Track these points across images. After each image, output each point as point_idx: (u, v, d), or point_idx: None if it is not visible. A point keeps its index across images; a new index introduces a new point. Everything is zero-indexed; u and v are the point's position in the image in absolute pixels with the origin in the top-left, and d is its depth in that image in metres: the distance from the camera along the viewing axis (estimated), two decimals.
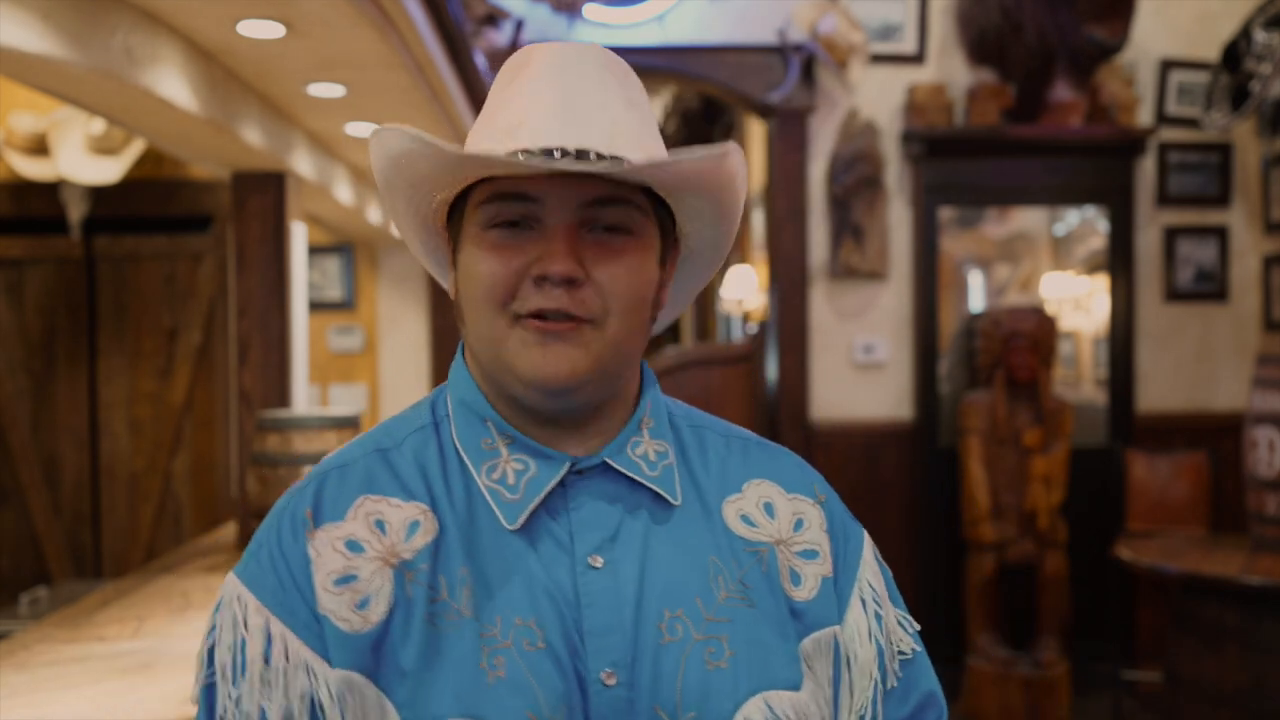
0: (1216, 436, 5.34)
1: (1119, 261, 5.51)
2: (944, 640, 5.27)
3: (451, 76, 3.19)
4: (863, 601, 1.08)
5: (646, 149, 0.98)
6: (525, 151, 0.94)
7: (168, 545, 4.99)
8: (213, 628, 0.98)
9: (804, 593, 1.04)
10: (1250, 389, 4.27)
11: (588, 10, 5.33)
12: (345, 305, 5.48)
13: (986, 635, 4.92)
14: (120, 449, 5.11)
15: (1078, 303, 5.75)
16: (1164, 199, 5.58)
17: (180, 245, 5.10)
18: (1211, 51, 5.43)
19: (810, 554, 1.06)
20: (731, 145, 0.98)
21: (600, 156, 0.94)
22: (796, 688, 0.99)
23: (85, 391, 5.11)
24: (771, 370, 5.52)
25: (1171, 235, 5.59)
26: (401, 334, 5.53)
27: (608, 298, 0.97)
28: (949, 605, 5.26)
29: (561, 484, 1.00)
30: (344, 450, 1.05)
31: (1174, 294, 5.59)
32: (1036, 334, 4.90)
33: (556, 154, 0.93)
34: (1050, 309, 5.42)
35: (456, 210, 1.03)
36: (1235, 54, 5.25)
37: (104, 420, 5.11)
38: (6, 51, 1.90)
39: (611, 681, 0.94)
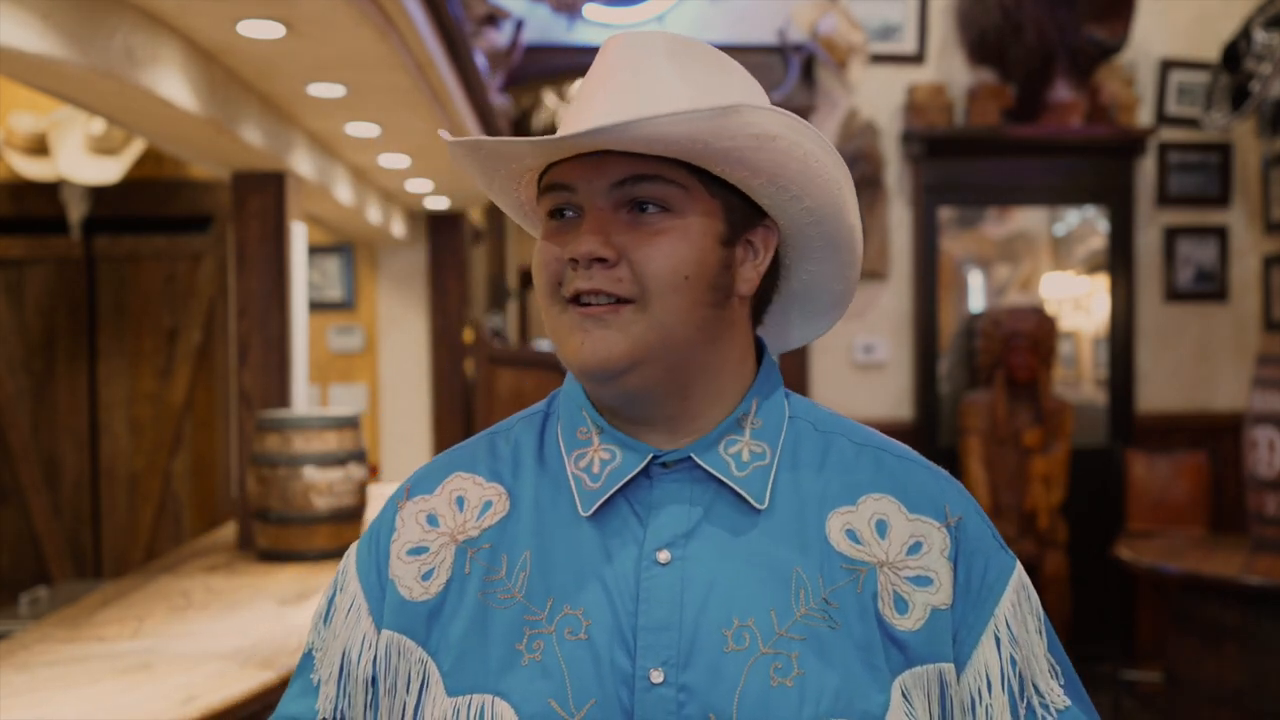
0: (1216, 436, 5.34)
1: (1119, 261, 5.51)
2: None
3: (451, 76, 3.19)
4: (996, 640, 0.98)
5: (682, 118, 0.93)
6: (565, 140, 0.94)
7: (168, 545, 4.98)
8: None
9: (909, 622, 0.95)
10: (1250, 389, 4.27)
11: (588, 10, 5.33)
12: (345, 305, 5.48)
13: None
14: (120, 449, 5.11)
15: (1078, 303, 5.75)
16: (1164, 199, 5.58)
17: (180, 245, 5.10)
18: (1211, 51, 5.43)
19: (923, 580, 0.97)
20: (741, 103, 0.92)
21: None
22: None
23: (85, 392, 5.10)
24: None
25: (1171, 235, 5.59)
26: (401, 334, 5.53)
27: (643, 276, 0.94)
28: None
29: (647, 476, 0.99)
30: (483, 431, 1.12)
31: (1174, 294, 5.59)
32: (1036, 334, 4.90)
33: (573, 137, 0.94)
34: (1050, 309, 5.42)
35: None
36: (1235, 54, 5.25)
37: (104, 420, 5.11)
38: (6, 51, 1.90)
39: (658, 679, 0.92)
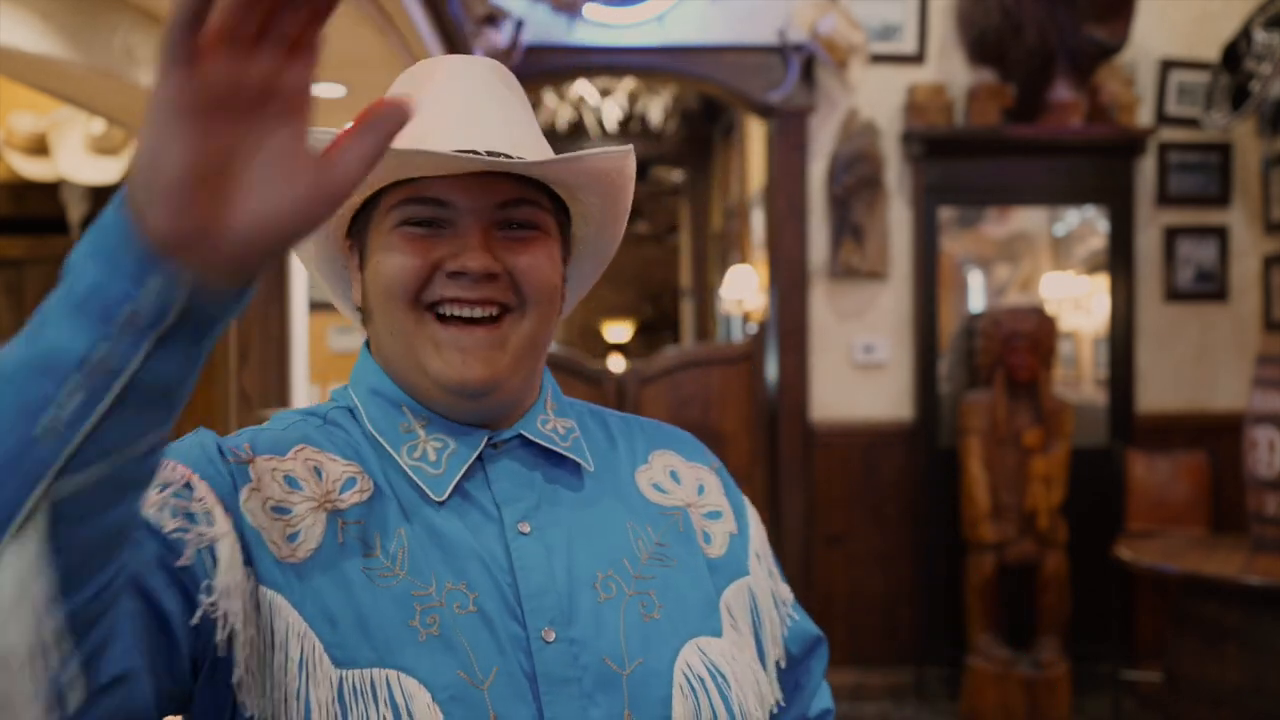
0: (1216, 436, 5.34)
1: (1119, 261, 5.51)
2: (944, 640, 5.27)
3: None
4: (758, 557, 1.18)
5: (544, 153, 1.05)
6: (483, 157, 1.00)
7: None
8: None
9: (716, 549, 1.14)
10: (1250, 389, 4.27)
11: (588, 10, 5.33)
12: None
13: (986, 635, 4.92)
14: None
15: (1078, 303, 5.75)
16: (1164, 199, 5.58)
17: None
18: (1211, 51, 5.43)
19: (715, 514, 1.16)
20: (629, 146, 1.07)
21: (508, 158, 1.00)
22: (718, 635, 1.07)
23: None
24: (771, 370, 5.52)
25: (1171, 235, 5.59)
26: None
27: (524, 286, 1.02)
28: (949, 605, 5.26)
29: (480, 459, 1.05)
30: (283, 415, 1.09)
31: (1174, 294, 5.59)
32: (1036, 334, 4.90)
33: (469, 157, 0.98)
34: (1050, 309, 5.42)
35: (359, 223, 1.07)
36: (1235, 54, 5.25)
37: None
38: (6, 51, 1.90)
39: (551, 638, 0.98)
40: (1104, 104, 5.35)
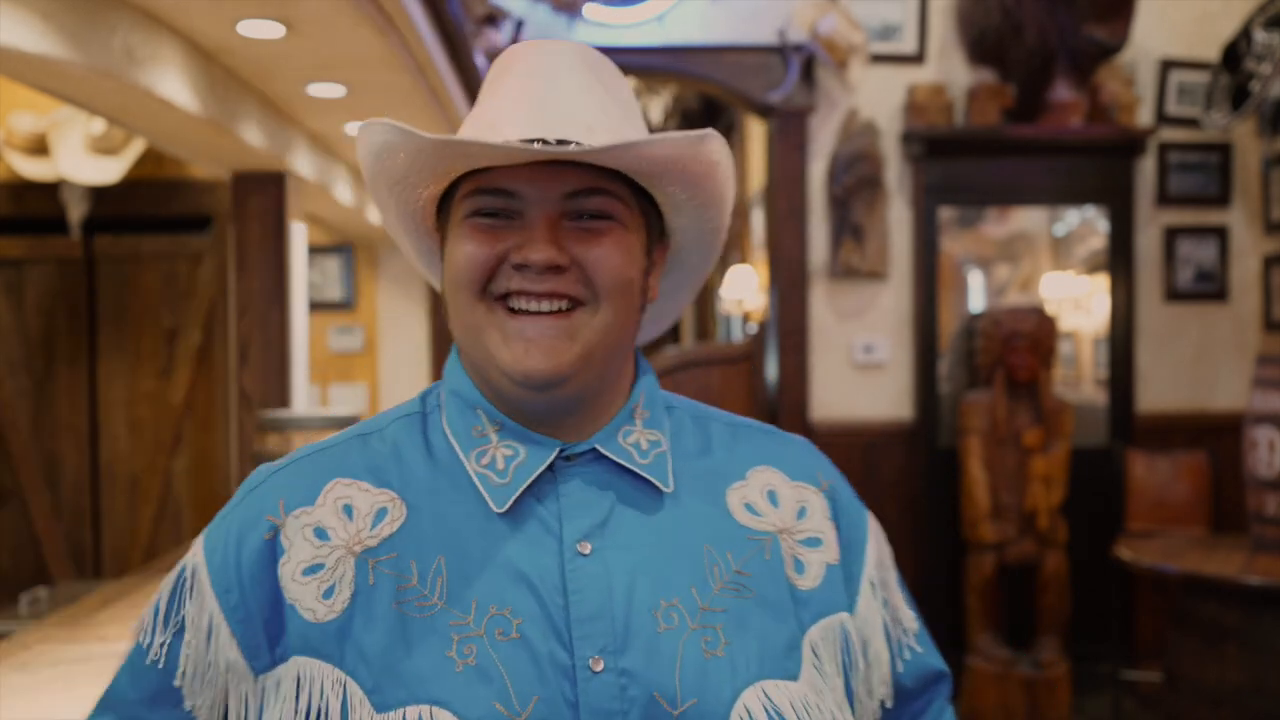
0: (1216, 436, 5.33)
1: (1119, 261, 5.51)
2: (944, 640, 5.25)
3: (451, 76, 3.19)
4: (872, 586, 1.09)
5: (626, 138, 0.97)
6: (540, 145, 0.94)
7: (168, 545, 4.98)
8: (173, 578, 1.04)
9: (808, 581, 1.04)
10: (1250, 389, 4.27)
11: (588, 10, 5.33)
12: (345, 305, 5.48)
13: (986, 635, 4.92)
14: (120, 449, 5.11)
15: (1078, 303, 5.75)
16: (1164, 199, 5.58)
17: (180, 245, 5.10)
18: (1211, 51, 5.43)
19: (813, 542, 1.06)
20: (709, 131, 0.98)
21: (582, 148, 0.94)
22: (793, 677, 0.98)
23: (85, 391, 5.10)
24: (771, 370, 5.52)
25: (1171, 235, 5.59)
26: (401, 334, 5.53)
27: (594, 279, 0.97)
28: (949, 605, 5.26)
29: (551, 470, 1.00)
30: (337, 434, 1.07)
31: (1174, 294, 5.59)
32: (1036, 334, 4.90)
33: (537, 145, 0.94)
34: (1050, 309, 5.42)
35: (444, 209, 1.04)
36: (1235, 54, 5.25)
37: (104, 420, 5.11)
38: (6, 51, 1.90)
39: (599, 668, 0.93)
40: (1104, 104, 5.35)
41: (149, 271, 5.11)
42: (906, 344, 5.49)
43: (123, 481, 5.12)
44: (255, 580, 0.98)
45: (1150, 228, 5.59)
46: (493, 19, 4.60)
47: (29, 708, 1.96)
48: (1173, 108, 5.56)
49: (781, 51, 5.31)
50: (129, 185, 4.68)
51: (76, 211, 4.85)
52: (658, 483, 1.02)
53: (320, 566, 0.97)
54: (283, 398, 3.44)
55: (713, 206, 1.06)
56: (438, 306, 5.48)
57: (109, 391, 5.10)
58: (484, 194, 0.98)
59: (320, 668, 0.95)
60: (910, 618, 1.13)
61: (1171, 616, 4.24)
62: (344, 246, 5.42)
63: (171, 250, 5.10)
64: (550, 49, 1.03)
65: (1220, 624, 3.89)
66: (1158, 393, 5.57)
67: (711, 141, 0.99)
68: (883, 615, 1.10)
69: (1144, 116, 5.52)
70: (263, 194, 3.42)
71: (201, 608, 1.00)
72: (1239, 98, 5.19)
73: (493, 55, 4.56)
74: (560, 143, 0.95)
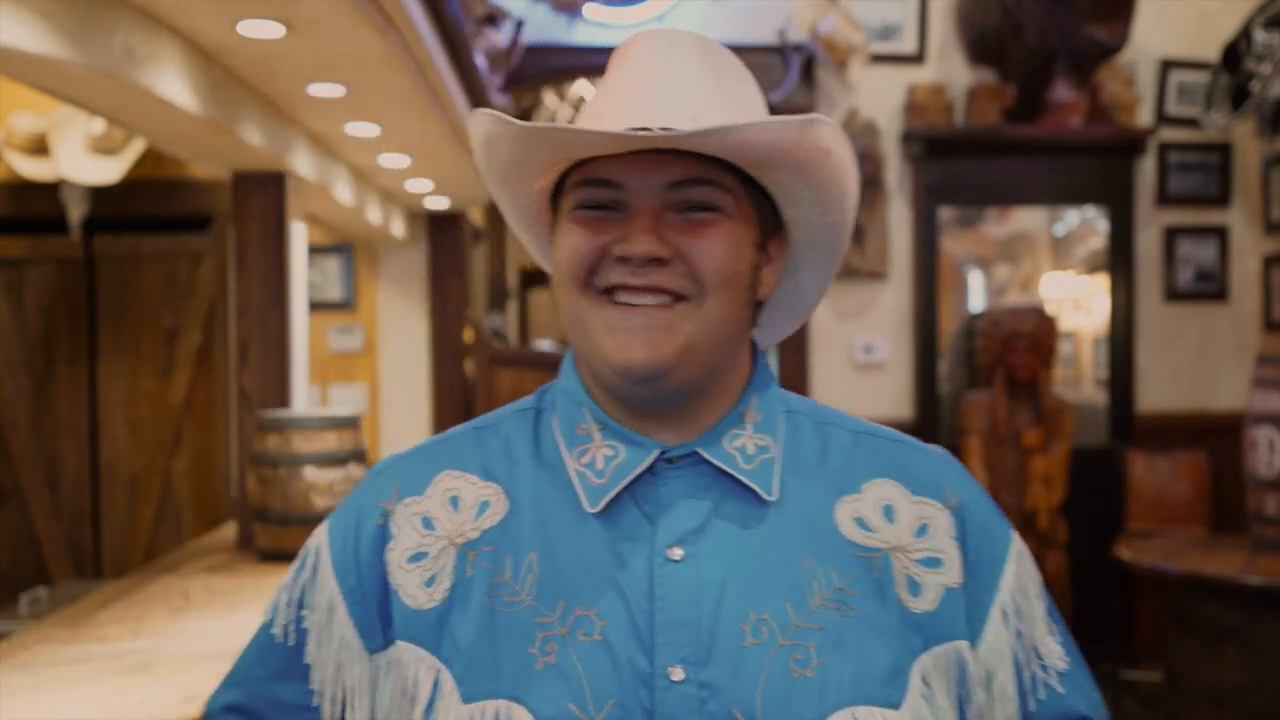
0: (1216, 436, 5.33)
1: (1119, 261, 5.51)
2: None
3: (451, 76, 3.19)
4: (1004, 616, 1.01)
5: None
6: (634, 132, 0.92)
7: (168, 545, 4.98)
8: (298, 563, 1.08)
9: (924, 603, 0.97)
10: (1250, 389, 4.27)
11: (588, 10, 5.33)
12: (345, 305, 5.48)
13: None
14: (120, 449, 5.11)
15: (1078, 303, 5.75)
16: (1164, 199, 5.58)
17: (180, 245, 5.10)
18: (1211, 51, 5.43)
19: (933, 562, 0.99)
20: (817, 116, 0.94)
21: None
22: (894, 706, 0.93)
23: (85, 391, 5.10)
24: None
25: (1171, 235, 5.59)
26: (401, 334, 5.53)
27: (698, 271, 0.94)
28: None
29: (652, 473, 0.98)
30: (456, 427, 1.10)
31: (1174, 294, 5.59)
32: (1036, 334, 4.90)
33: (660, 132, 0.92)
34: (1050, 309, 5.42)
35: (556, 203, 1.03)
36: (1235, 54, 5.25)
37: (104, 420, 5.11)
38: (6, 51, 1.90)
39: (679, 677, 0.91)
40: (1104, 104, 5.35)
41: (149, 271, 5.11)
42: (906, 344, 5.49)
43: (123, 481, 5.12)
44: (370, 564, 1.01)
45: (1150, 228, 5.59)
46: (493, 19, 4.60)
47: (29, 708, 1.96)
48: (1173, 108, 5.56)
49: (781, 51, 5.31)
50: (129, 185, 4.68)
51: (76, 211, 4.85)
52: (760, 490, 0.98)
53: (424, 555, 0.99)
54: (283, 398, 3.44)
55: (829, 197, 1.01)
56: (438, 306, 5.48)
57: (109, 391, 5.10)
58: (588, 185, 0.96)
59: (418, 654, 0.97)
60: (1057, 655, 1.03)
61: (1171, 616, 4.24)
62: (344, 246, 5.42)
63: (171, 250, 5.10)
64: (663, 39, 1.00)
65: (1220, 624, 3.89)
66: (1158, 393, 5.57)
67: (819, 127, 0.94)
68: (1014, 647, 1.01)
69: (1144, 116, 5.52)
70: (263, 194, 3.42)
71: (322, 588, 1.03)
72: (1239, 98, 5.19)
73: (493, 55, 4.56)
74: (665, 130, 0.92)
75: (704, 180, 0.95)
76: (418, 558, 0.99)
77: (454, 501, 1.01)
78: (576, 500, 0.98)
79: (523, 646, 0.94)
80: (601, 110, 0.98)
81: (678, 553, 0.95)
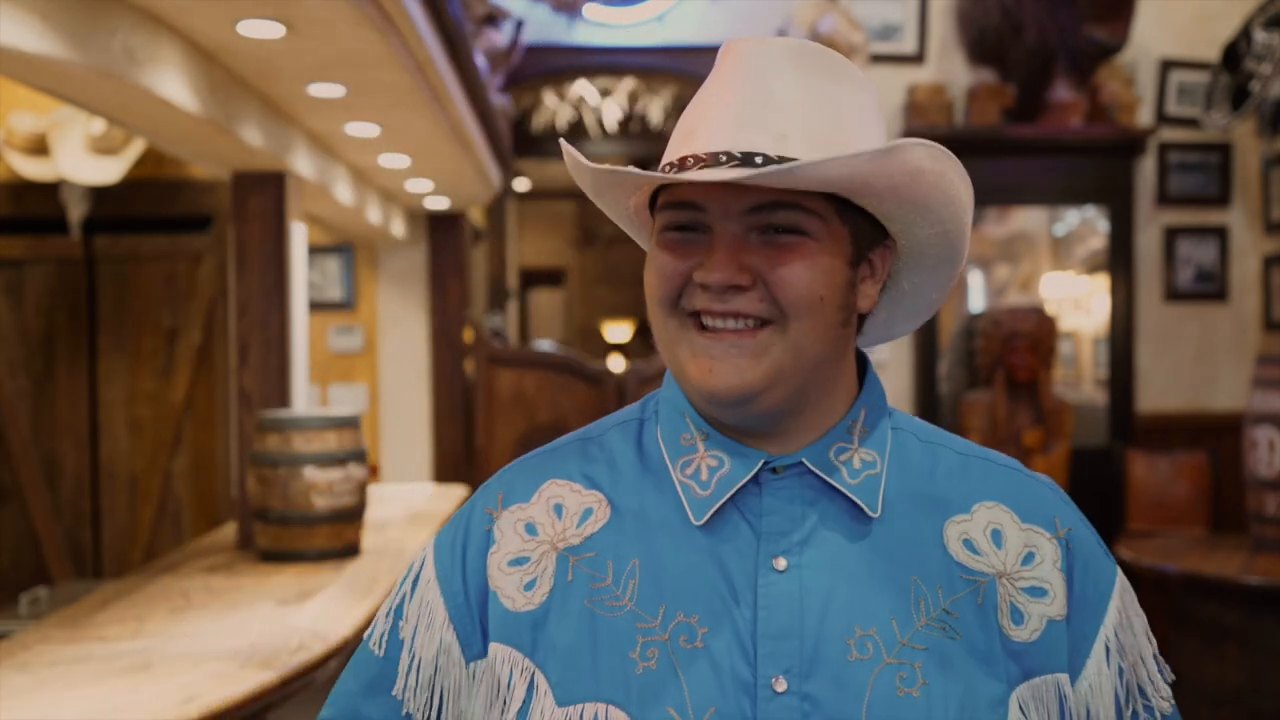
0: (1216, 436, 5.34)
1: (1119, 261, 5.51)
2: None
3: (451, 77, 3.19)
4: (1106, 651, 0.98)
5: (832, 146, 0.93)
6: (695, 157, 0.93)
7: (168, 545, 4.98)
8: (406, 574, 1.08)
9: (1025, 633, 0.95)
10: (1250, 389, 4.27)
11: (588, 10, 5.33)
12: (345, 305, 5.48)
13: None
14: (120, 449, 5.11)
15: (1078, 303, 5.75)
16: (1164, 199, 5.58)
17: (180, 245, 5.10)
18: (1211, 51, 5.43)
19: (1038, 592, 0.97)
20: (900, 144, 0.91)
21: (768, 160, 0.91)
22: None
23: (85, 391, 5.10)
24: None
25: (1171, 235, 5.59)
26: (401, 334, 5.53)
27: (780, 297, 0.93)
28: None
29: (757, 483, 0.97)
30: (563, 437, 1.10)
31: (1174, 294, 5.59)
32: (1036, 334, 4.91)
33: (723, 159, 0.91)
34: (1050, 309, 5.42)
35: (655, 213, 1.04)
36: (1235, 54, 5.25)
37: (104, 420, 5.11)
38: (6, 51, 1.90)
39: (781, 688, 0.90)
40: (1104, 104, 5.35)
41: (149, 271, 5.11)
42: (906, 344, 5.48)
43: (123, 481, 5.12)
44: (475, 570, 1.01)
45: (1150, 228, 5.59)
46: (493, 19, 4.60)
47: (29, 708, 1.96)
48: (1173, 108, 5.56)
49: None
50: (129, 185, 4.68)
51: (76, 211, 4.85)
52: (865, 506, 0.97)
53: (525, 560, 0.99)
54: (283, 398, 3.44)
55: (929, 212, 0.98)
56: (438, 306, 5.48)
57: (109, 391, 5.10)
58: (673, 208, 0.96)
59: (513, 655, 0.97)
60: (1162, 696, 1.01)
61: (1171, 616, 4.24)
62: (344, 246, 5.43)
63: (171, 250, 5.10)
64: (757, 48, 0.97)
65: (1220, 624, 3.89)
66: (1158, 393, 5.57)
67: (904, 152, 0.91)
68: (1116, 685, 0.98)
69: (1144, 116, 5.52)
70: (263, 194, 3.42)
71: (424, 596, 1.03)
72: (1239, 98, 5.19)
73: (493, 55, 4.56)
74: (746, 155, 0.91)
75: (786, 205, 0.93)
76: (518, 562, 1.00)
77: (558, 509, 1.01)
78: (681, 510, 0.98)
79: (623, 651, 0.93)
80: (692, 126, 0.96)
81: (782, 563, 0.94)
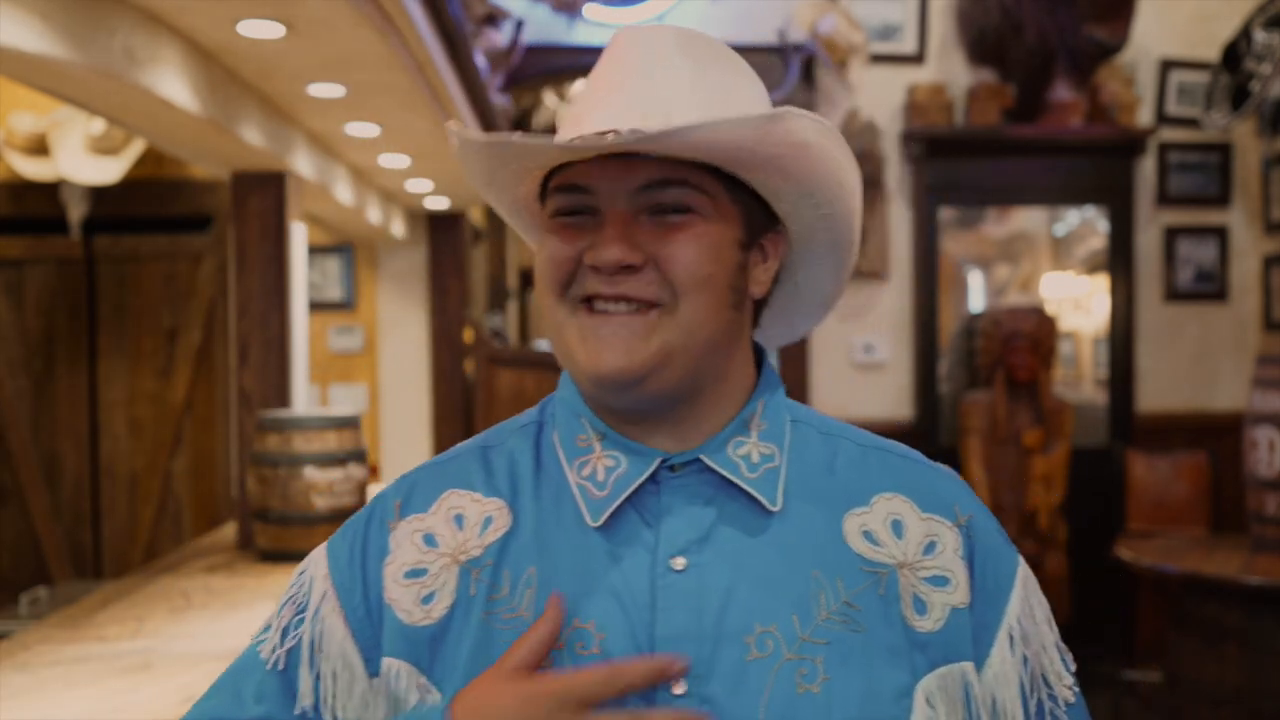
0: (1216, 436, 5.34)
1: (1119, 261, 5.51)
2: None
3: (451, 77, 3.19)
4: (1010, 640, 0.98)
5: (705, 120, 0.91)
6: (582, 137, 0.91)
7: (168, 545, 4.98)
8: (294, 581, 1.04)
9: (929, 623, 0.94)
10: (1250, 389, 4.27)
11: (588, 10, 5.33)
12: (345, 305, 5.48)
13: None
14: (120, 449, 5.11)
15: (1078, 303, 5.75)
16: (1164, 199, 5.58)
17: (180, 245, 5.10)
18: (1211, 51, 5.43)
19: (940, 580, 0.96)
20: (785, 111, 0.90)
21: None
22: None
23: (85, 391, 5.10)
24: None
25: (1171, 235, 5.59)
26: (401, 334, 5.53)
27: (671, 276, 0.92)
28: None
29: (655, 482, 0.96)
30: (462, 444, 1.07)
31: (1174, 294, 5.59)
32: (1036, 334, 4.91)
33: (609, 137, 0.89)
34: (1050, 309, 5.42)
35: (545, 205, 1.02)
36: (1235, 54, 5.25)
37: (104, 420, 5.11)
38: (6, 51, 1.90)
39: (679, 691, 0.89)
40: (1104, 104, 5.35)
41: (149, 271, 5.11)
42: (906, 344, 5.49)
43: (123, 481, 5.12)
44: (374, 582, 0.98)
45: (1150, 228, 5.59)
46: (493, 19, 4.60)
47: (29, 708, 1.96)
48: (1173, 108, 5.56)
49: (781, 51, 5.31)
50: (129, 185, 4.68)
51: (76, 211, 4.85)
52: (764, 500, 0.95)
53: (423, 572, 0.97)
54: (283, 398, 3.44)
55: (817, 191, 0.97)
56: (438, 306, 5.48)
57: (109, 391, 5.10)
58: (563, 192, 0.95)
59: (408, 671, 0.95)
60: (1065, 685, 1.00)
61: (1171, 616, 4.24)
62: (344, 246, 5.42)
63: (171, 250, 5.10)
64: (644, 35, 0.98)
65: (1220, 624, 3.89)
66: (1158, 393, 5.57)
67: (788, 121, 0.90)
68: (1020, 674, 0.97)
69: (1144, 116, 5.52)
70: (263, 194, 3.42)
71: (322, 609, 0.99)
72: (1239, 98, 5.19)
73: (493, 55, 4.56)
74: (632, 131, 0.89)
75: (674, 182, 0.92)
76: (415, 574, 0.97)
77: (459, 520, 0.98)
78: (579, 513, 0.96)
79: None
80: (581, 111, 0.96)
81: (680, 562, 0.93)
